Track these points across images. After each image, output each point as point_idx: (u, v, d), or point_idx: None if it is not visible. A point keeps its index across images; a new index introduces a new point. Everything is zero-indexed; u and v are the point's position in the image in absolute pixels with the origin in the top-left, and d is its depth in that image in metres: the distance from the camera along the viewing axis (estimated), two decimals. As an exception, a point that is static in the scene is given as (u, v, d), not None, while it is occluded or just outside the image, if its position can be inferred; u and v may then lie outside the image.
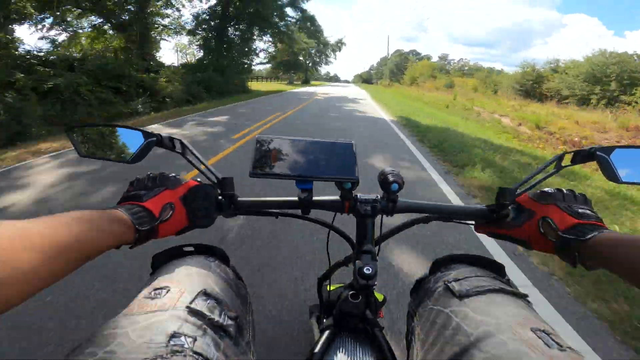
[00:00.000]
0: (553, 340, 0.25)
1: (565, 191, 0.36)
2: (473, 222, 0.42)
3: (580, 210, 0.33)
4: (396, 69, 34.11)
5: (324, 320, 0.46)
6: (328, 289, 0.54)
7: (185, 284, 0.30)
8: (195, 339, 0.24)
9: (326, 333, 0.37)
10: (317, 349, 0.35)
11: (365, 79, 75.69)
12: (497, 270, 0.38)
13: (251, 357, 0.31)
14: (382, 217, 0.39)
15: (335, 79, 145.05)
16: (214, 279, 0.32)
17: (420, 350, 0.33)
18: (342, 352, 0.36)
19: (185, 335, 0.24)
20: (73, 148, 0.36)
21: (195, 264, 0.34)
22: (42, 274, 0.20)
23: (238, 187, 0.36)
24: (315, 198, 0.37)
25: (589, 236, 0.29)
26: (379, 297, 0.57)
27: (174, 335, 0.24)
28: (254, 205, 0.39)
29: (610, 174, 0.34)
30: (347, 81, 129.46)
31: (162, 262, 0.36)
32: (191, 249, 0.37)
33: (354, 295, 0.37)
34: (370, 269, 0.33)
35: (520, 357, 0.24)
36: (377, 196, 0.38)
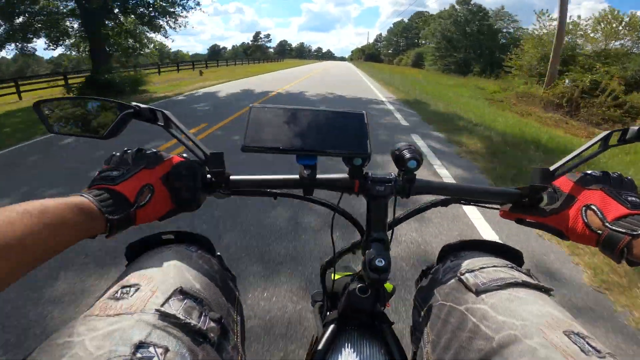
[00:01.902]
0: (589, 345, 0.27)
1: (612, 174, 0.38)
2: (499, 207, 0.45)
3: (630, 198, 0.35)
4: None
5: (328, 313, 0.53)
6: (332, 277, 0.58)
7: (159, 281, 0.31)
8: (166, 350, 0.25)
9: (330, 328, 0.42)
10: (320, 346, 0.40)
11: (370, 55, 74.40)
12: (514, 258, 0.41)
13: None
14: (396, 199, 0.42)
15: (328, 56, 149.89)
16: (194, 274, 0.34)
17: (431, 354, 0.35)
18: (347, 348, 0.40)
19: (154, 345, 0.25)
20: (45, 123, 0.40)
21: (172, 255, 0.36)
22: None
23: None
24: (319, 176, 0.40)
25: None
26: (388, 287, 0.61)
27: (140, 346, 0.24)
28: (249, 184, 0.42)
29: None
30: (343, 58, 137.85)
31: (138, 252, 0.38)
32: (171, 237, 0.41)
33: (362, 289, 0.40)
34: (383, 261, 0.36)
35: None
36: (392, 175, 0.41)
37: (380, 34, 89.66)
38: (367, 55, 74.69)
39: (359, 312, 0.41)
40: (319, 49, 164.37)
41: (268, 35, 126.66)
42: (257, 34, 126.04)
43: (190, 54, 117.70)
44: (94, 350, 0.23)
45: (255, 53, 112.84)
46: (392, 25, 65.95)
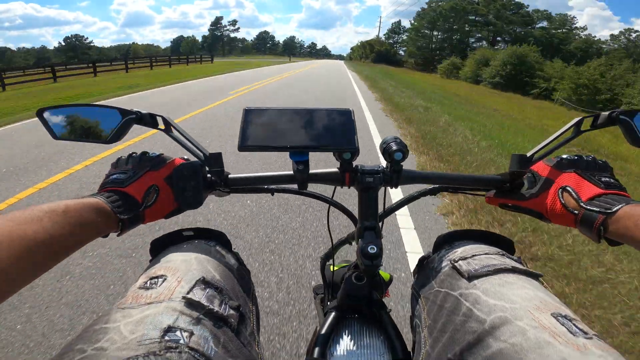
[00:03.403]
0: (576, 327, 0.33)
1: (585, 157, 0.49)
2: (485, 193, 0.58)
3: (603, 179, 0.45)
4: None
5: (329, 303, 0.66)
6: (331, 269, 0.75)
7: (183, 272, 0.42)
8: (191, 333, 0.34)
9: (331, 316, 0.52)
10: (322, 332, 0.50)
11: (382, 54, 62.40)
12: (505, 246, 0.52)
13: (255, 348, 0.43)
14: (385, 189, 0.54)
15: (323, 53, 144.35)
16: (214, 266, 0.46)
17: (428, 338, 0.44)
18: (347, 335, 0.51)
19: (180, 329, 0.33)
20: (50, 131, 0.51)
21: (194, 249, 0.48)
22: (10, 275, 0.29)
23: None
24: (312, 171, 0.52)
25: (616, 208, 0.39)
26: (385, 276, 0.76)
27: (168, 330, 0.33)
28: (246, 182, 0.55)
29: (634, 138, 0.47)
30: (341, 57, 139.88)
31: (160, 247, 0.51)
32: (191, 233, 0.53)
33: (358, 277, 0.53)
34: (375, 248, 0.47)
35: (542, 346, 0.31)
36: (380, 166, 0.53)
37: (399, 22, 75.84)
38: (378, 54, 61.63)
39: (356, 300, 0.53)
40: (313, 45, 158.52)
41: (234, 22, 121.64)
42: (218, 19, 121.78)
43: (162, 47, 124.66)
44: (128, 334, 0.32)
45: (215, 45, 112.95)
46: (421, 9, 55.92)
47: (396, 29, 71.69)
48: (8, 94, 10.83)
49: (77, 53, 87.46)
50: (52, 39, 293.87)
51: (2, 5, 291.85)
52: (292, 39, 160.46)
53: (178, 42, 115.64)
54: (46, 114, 0.51)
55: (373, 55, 61.91)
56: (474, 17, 49.41)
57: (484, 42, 48.84)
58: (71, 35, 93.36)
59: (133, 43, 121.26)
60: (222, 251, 0.51)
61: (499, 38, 48.99)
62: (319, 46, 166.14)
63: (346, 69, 28.76)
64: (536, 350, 0.31)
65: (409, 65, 52.72)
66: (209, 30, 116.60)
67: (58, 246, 0.34)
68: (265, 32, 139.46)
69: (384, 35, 73.17)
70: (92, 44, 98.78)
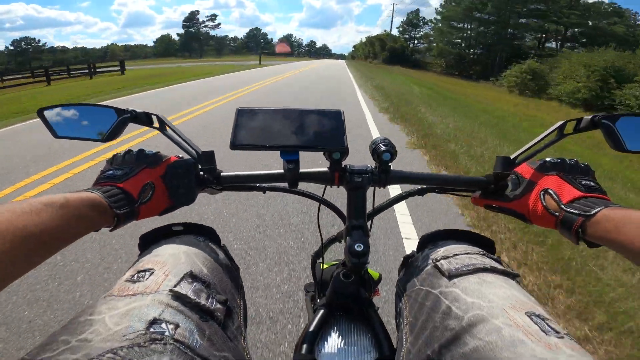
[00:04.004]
0: (549, 326, 0.37)
1: (568, 161, 0.53)
2: (471, 194, 0.65)
3: (584, 182, 0.49)
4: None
5: (318, 300, 0.68)
6: (322, 267, 0.80)
7: (171, 266, 0.45)
8: (177, 326, 0.36)
9: (319, 313, 0.58)
10: (310, 329, 0.55)
11: (397, 52, 50.77)
12: (487, 246, 0.57)
13: (242, 342, 0.46)
14: (374, 189, 0.61)
15: (323, 52, 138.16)
16: (202, 260, 0.49)
17: (409, 335, 0.48)
18: (335, 332, 0.56)
19: (166, 322, 0.36)
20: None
21: (183, 243, 0.52)
22: (5, 265, 0.31)
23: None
24: (302, 170, 0.57)
25: (594, 211, 0.43)
26: (374, 274, 0.84)
27: (154, 322, 0.35)
28: (238, 180, 0.61)
29: (615, 142, 0.51)
30: (342, 57, 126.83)
31: (150, 242, 0.55)
32: (180, 228, 0.57)
33: (346, 275, 0.58)
34: (362, 246, 0.51)
35: (516, 344, 0.35)
36: (368, 166, 0.59)
37: (417, 12, 61.23)
38: (391, 53, 51.29)
39: (344, 297, 0.58)
40: (312, 43, 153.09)
41: (214, 17, 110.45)
42: (193, 14, 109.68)
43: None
44: (113, 326, 0.34)
45: (190, 45, 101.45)
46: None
47: (414, 20, 60.88)
48: None
49: (28, 58, 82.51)
50: (54, 40, 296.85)
51: (2, 6, 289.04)
52: (288, 37, 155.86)
53: (162, 41, 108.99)
54: (47, 113, 0.57)
55: (385, 55, 52.10)
56: (523, 8, 36.44)
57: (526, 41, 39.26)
58: (20, 38, 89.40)
59: (111, 44, 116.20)
60: (211, 246, 0.55)
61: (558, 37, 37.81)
62: (318, 44, 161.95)
63: (351, 79, 17.88)
64: (510, 348, 0.34)
65: (436, 69, 44.05)
66: (183, 26, 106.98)
67: (54, 239, 0.37)
68: (257, 29, 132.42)
69: (398, 29, 60.53)
70: (45, 47, 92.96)
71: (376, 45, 57.34)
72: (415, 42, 58.31)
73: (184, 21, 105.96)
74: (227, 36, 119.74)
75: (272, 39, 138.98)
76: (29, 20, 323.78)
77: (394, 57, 49.63)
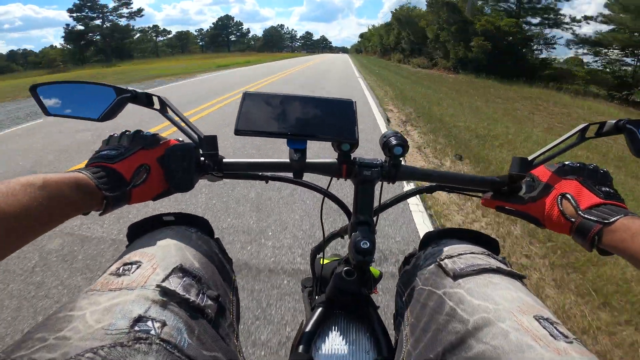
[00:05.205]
0: (558, 330, 0.39)
1: (588, 165, 0.56)
2: (481, 195, 0.67)
3: (604, 189, 0.52)
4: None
5: (317, 297, 0.76)
6: (321, 262, 0.88)
7: (159, 259, 0.46)
8: (164, 324, 0.37)
9: (318, 310, 0.61)
10: (308, 328, 0.58)
11: (498, 42, 18.14)
12: (491, 246, 0.60)
13: (234, 341, 0.48)
14: (382, 184, 0.63)
15: (321, 45, 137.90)
16: (193, 253, 0.51)
17: (410, 337, 0.50)
18: (334, 330, 0.59)
19: (152, 319, 0.37)
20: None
21: (173, 235, 0.53)
22: None
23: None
24: (309, 160, 0.60)
25: (613, 219, 0.46)
26: (375, 272, 0.89)
27: (138, 320, 0.36)
28: (241, 167, 0.64)
29: (637, 148, 0.54)
30: (345, 50, 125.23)
31: (139, 232, 0.57)
32: (171, 218, 0.59)
33: (348, 272, 0.60)
34: (368, 244, 0.54)
35: (524, 349, 0.36)
36: (379, 160, 0.62)
37: None
38: (494, 49, 19.24)
39: (345, 295, 0.60)
40: (308, 35, 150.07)
41: (139, 11, 70.47)
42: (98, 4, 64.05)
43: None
44: (94, 323, 0.35)
45: (87, 49, 62.89)
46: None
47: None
48: None
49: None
50: (53, 40, 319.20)
51: (0, 7, 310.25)
52: (277, 28, 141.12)
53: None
54: (39, 90, 0.59)
55: (479, 51, 20.89)
56: None
57: None
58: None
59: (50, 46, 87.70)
60: (203, 238, 0.57)
61: None
62: (316, 37, 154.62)
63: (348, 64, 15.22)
64: (517, 353, 0.36)
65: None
66: (73, 17, 63.22)
67: (34, 220, 0.39)
68: (227, 17, 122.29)
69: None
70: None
71: (442, 14, 23.81)
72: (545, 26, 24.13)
73: (71, 9, 63.73)
74: (143, 31, 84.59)
75: (248, 29, 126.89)
76: (28, 20, 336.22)
77: (497, 58, 20.69)
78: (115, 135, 0.57)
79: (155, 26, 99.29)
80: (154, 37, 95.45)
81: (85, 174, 0.47)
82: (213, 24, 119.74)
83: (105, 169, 0.50)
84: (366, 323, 0.61)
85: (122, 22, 69.20)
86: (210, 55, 64.40)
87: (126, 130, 0.58)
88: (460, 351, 0.40)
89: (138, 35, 78.61)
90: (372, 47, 58.42)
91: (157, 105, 0.61)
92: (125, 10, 68.34)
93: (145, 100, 0.59)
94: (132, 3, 69.21)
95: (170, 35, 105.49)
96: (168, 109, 0.61)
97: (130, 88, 0.58)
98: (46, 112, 0.60)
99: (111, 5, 73.17)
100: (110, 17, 67.04)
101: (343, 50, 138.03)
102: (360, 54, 74.28)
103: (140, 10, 72.19)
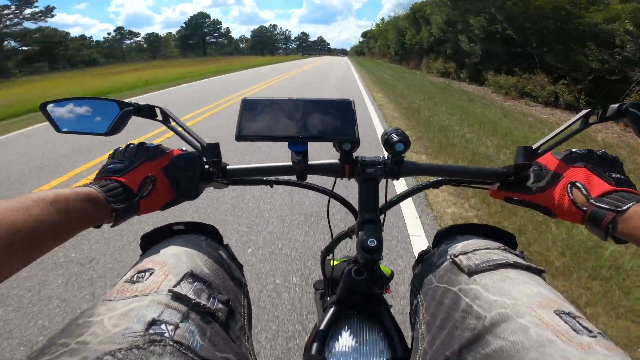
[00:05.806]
0: (580, 324, 0.39)
1: (596, 152, 0.57)
2: (488, 187, 0.69)
3: (614, 175, 0.53)
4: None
5: (328, 298, 0.81)
6: (331, 263, 0.93)
7: (171, 266, 0.50)
8: (177, 327, 0.41)
9: (330, 311, 0.64)
10: (320, 328, 0.61)
11: None
12: (507, 241, 0.61)
13: (245, 343, 0.51)
14: (387, 181, 0.68)
15: (318, 47, 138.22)
16: (203, 260, 0.55)
17: (426, 335, 0.52)
18: (346, 331, 0.62)
19: (165, 323, 0.40)
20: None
21: (184, 243, 0.57)
22: None
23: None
24: (311, 162, 0.63)
25: (626, 206, 0.47)
26: (386, 271, 0.95)
27: (153, 323, 0.40)
28: (244, 173, 0.67)
29: None
30: (344, 52, 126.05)
31: (151, 242, 0.61)
32: (181, 227, 0.63)
33: (357, 271, 0.64)
34: (375, 242, 0.57)
35: (544, 344, 0.37)
36: (381, 158, 0.65)
37: None
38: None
39: (355, 295, 0.64)
40: (304, 36, 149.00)
41: (48, 10, 58.42)
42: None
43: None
44: (111, 327, 0.38)
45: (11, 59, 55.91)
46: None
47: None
48: None
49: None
50: None
51: None
52: (269, 28, 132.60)
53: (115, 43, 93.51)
54: (49, 108, 0.63)
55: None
56: None
57: None
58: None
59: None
60: (213, 245, 0.61)
61: None
62: (313, 37, 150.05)
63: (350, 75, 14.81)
64: (538, 348, 0.37)
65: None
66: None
67: (46, 235, 0.41)
68: (202, 15, 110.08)
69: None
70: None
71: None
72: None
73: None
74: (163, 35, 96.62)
75: (227, 28, 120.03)
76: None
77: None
78: (120, 148, 0.61)
79: (120, 27, 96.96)
80: (120, 40, 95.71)
81: (94, 188, 0.50)
82: (185, 23, 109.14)
83: (113, 182, 0.54)
84: (379, 323, 0.63)
85: (27, 25, 58.73)
86: (158, 64, 51.29)
87: (130, 143, 0.62)
88: (478, 347, 0.41)
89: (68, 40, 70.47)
90: (381, 47, 44.28)
91: (159, 117, 0.65)
92: (28, 11, 57.02)
93: (148, 112, 0.63)
94: (36, 1, 59.50)
95: (138, 39, 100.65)
96: (170, 119, 0.66)
97: (132, 101, 0.62)
98: (58, 129, 0.63)
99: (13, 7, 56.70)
100: (15, 21, 56.60)
101: (342, 52, 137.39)
102: (362, 56, 64.27)
103: (50, 10, 59.07)
